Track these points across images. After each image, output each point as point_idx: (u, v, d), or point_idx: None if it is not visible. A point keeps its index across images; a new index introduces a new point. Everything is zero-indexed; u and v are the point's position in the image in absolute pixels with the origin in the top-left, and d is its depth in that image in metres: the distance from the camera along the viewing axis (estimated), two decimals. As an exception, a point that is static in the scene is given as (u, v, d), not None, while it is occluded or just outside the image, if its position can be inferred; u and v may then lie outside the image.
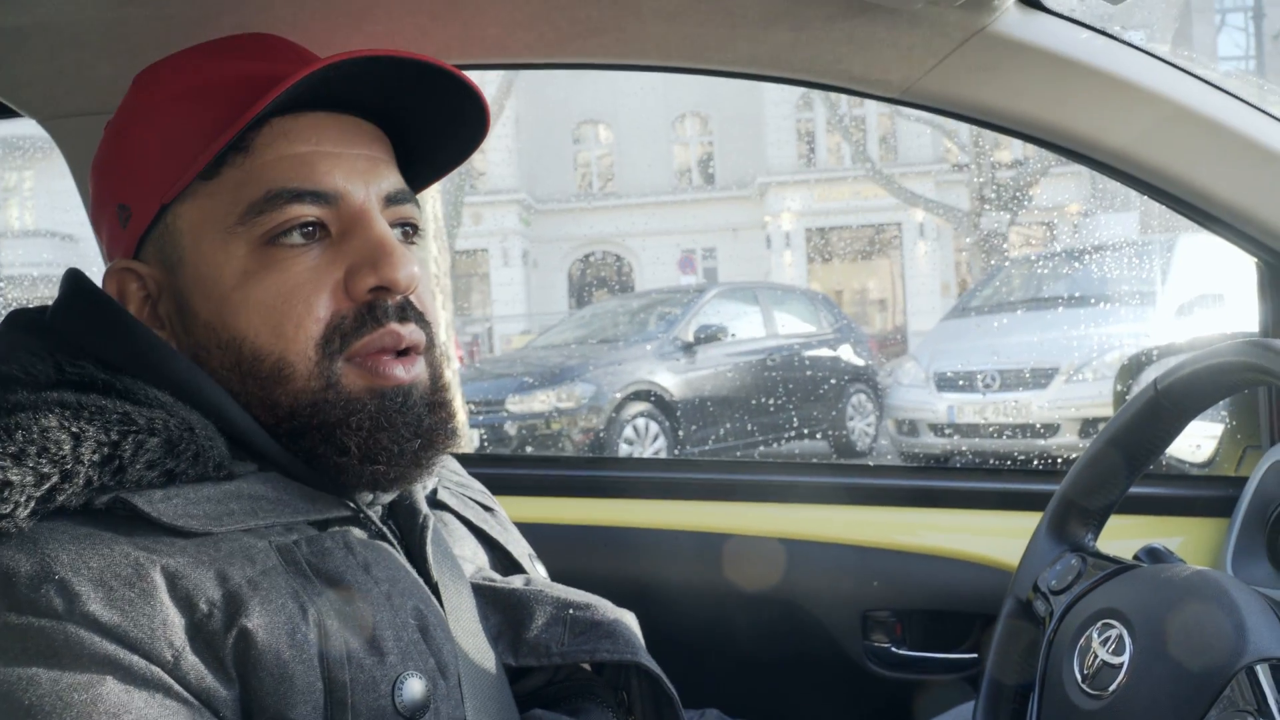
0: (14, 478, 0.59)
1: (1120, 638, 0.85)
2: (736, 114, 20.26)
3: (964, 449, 6.83)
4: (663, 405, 7.56)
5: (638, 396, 7.49)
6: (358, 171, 0.75)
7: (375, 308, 0.74)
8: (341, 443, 0.72)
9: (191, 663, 0.60)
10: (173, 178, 0.74)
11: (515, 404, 7.38)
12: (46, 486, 0.60)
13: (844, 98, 16.77)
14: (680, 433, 7.58)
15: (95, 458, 0.62)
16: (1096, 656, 0.86)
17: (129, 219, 0.76)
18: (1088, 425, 6.28)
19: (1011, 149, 14.67)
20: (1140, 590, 0.89)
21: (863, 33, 1.06)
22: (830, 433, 8.45)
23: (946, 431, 6.92)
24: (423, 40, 1.10)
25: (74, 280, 0.77)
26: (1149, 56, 1.09)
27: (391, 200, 0.77)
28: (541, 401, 7.36)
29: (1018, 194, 13.15)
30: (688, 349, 7.89)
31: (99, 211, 0.81)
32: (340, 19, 1.07)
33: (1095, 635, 0.88)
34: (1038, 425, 6.48)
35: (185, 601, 0.61)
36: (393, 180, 0.78)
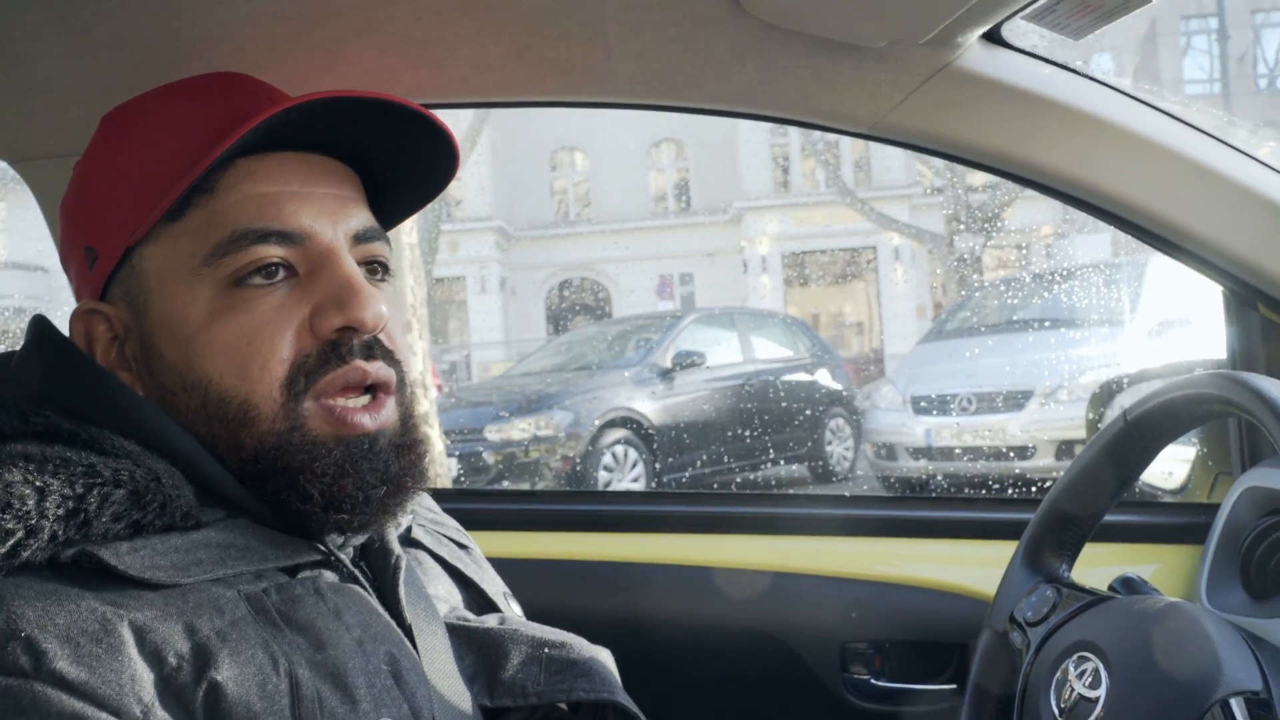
0: None
1: (1096, 671, 0.85)
2: (712, 140, 20.41)
3: (942, 472, 6.85)
4: (641, 432, 7.55)
5: (616, 424, 7.48)
6: (326, 211, 0.75)
7: (340, 345, 0.73)
8: (304, 489, 0.71)
9: (161, 718, 0.59)
10: (138, 219, 0.73)
11: (493, 432, 7.35)
12: (11, 543, 0.59)
13: (818, 124, 16.95)
14: (659, 460, 7.57)
15: (60, 512, 0.61)
16: (1073, 690, 0.86)
17: (96, 260, 0.76)
18: (1064, 447, 6.31)
19: (983, 174, 14.83)
20: (1115, 622, 0.89)
21: (829, 70, 1.07)
22: (809, 457, 8.46)
23: (924, 455, 6.94)
24: (393, 81, 1.11)
25: (39, 327, 0.76)
26: (1111, 90, 1.11)
27: (360, 239, 0.77)
28: (520, 430, 7.33)
29: (991, 217, 13.30)
30: (666, 375, 7.90)
31: (67, 253, 0.81)
32: (311, 61, 1.07)
33: (1071, 668, 0.88)
34: (1015, 448, 6.52)
35: (154, 656, 0.60)
36: (362, 219, 0.78)
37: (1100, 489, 1.01)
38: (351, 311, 0.72)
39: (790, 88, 1.10)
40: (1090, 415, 1.72)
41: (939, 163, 14.45)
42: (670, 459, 7.64)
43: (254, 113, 0.71)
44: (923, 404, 7.01)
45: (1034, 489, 5.94)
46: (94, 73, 1.08)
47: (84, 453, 0.66)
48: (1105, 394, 1.78)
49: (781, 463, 8.33)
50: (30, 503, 0.60)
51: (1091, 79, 1.10)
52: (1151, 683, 0.80)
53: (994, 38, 1.04)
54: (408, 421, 0.78)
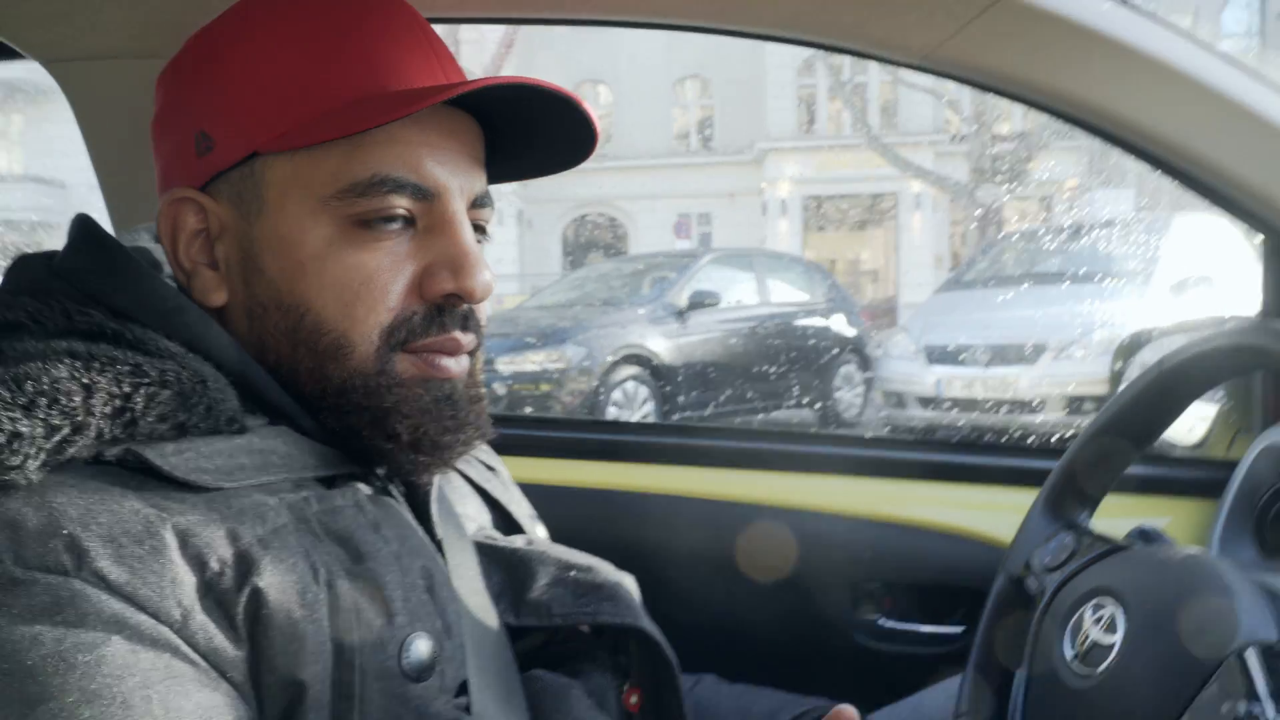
0: (24, 429, 0.57)
1: (1113, 617, 0.86)
2: (737, 78, 20.09)
3: (951, 422, 6.86)
4: (653, 370, 7.56)
5: (628, 360, 7.48)
6: (459, 171, 0.74)
7: (444, 312, 0.73)
8: (391, 429, 0.72)
9: (200, 622, 0.59)
10: (277, 129, 0.71)
11: (505, 364, 7.36)
12: (57, 438, 0.58)
13: (847, 64, 16.64)
14: (669, 398, 7.59)
15: (107, 410, 0.61)
16: (1088, 635, 0.87)
17: (210, 150, 0.73)
18: (1074, 402, 6.30)
19: (1011, 122, 14.60)
20: (1135, 571, 0.89)
21: None
22: (819, 402, 8.48)
23: (934, 404, 6.94)
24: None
25: (83, 226, 0.75)
26: (1170, 31, 1.08)
27: (476, 203, 0.77)
28: (532, 362, 7.34)
29: (1015, 168, 13.13)
30: (680, 314, 7.88)
31: (169, 126, 0.76)
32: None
33: (1088, 614, 0.88)
34: (1025, 400, 6.51)
35: (196, 560, 0.60)
36: (482, 182, 0.78)
37: (1129, 439, 1.00)
38: (464, 280, 0.72)
39: (844, 13, 1.07)
40: (1116, 366, 1.71)
41: (967, 109, 14.23)
42: (680, 398, 7.66)
43: (412, 53, 0.72)
44: (936, 354, 6.99)
45: (1053, 439, 5.94)
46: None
47: (130, 352, 0.65)
48: (1132, 346, 1.77)
49: (793, 404, 8.33)
50: (77, 399, 0.60)
51: (1153, 19, 1.07)
52: (1169, 630, 0.81)
53: (1056, -30, 1.01)
54: (475, 375, 0.79)
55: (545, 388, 7.27)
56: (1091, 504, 1.05)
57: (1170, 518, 1.33)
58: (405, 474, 0.76)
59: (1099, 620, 0.87)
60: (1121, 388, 1.01)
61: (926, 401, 6.98)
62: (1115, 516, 1.18)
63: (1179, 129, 1.10)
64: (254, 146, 0.71)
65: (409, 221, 0.73)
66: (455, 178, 0.74)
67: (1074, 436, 1.07)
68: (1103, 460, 1.02)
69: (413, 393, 0.73)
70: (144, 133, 0.80)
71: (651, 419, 7.44)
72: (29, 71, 1.21)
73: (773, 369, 8.19)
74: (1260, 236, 1.25)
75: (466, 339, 0.75)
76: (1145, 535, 1.02)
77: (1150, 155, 1.15)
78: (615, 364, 7.39)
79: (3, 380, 0.59)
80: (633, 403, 7.42)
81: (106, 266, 0.72)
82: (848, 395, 8.68)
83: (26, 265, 0.74)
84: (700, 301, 7.99)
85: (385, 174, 0.70)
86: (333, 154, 0.71)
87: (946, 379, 6.88)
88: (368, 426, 0.72)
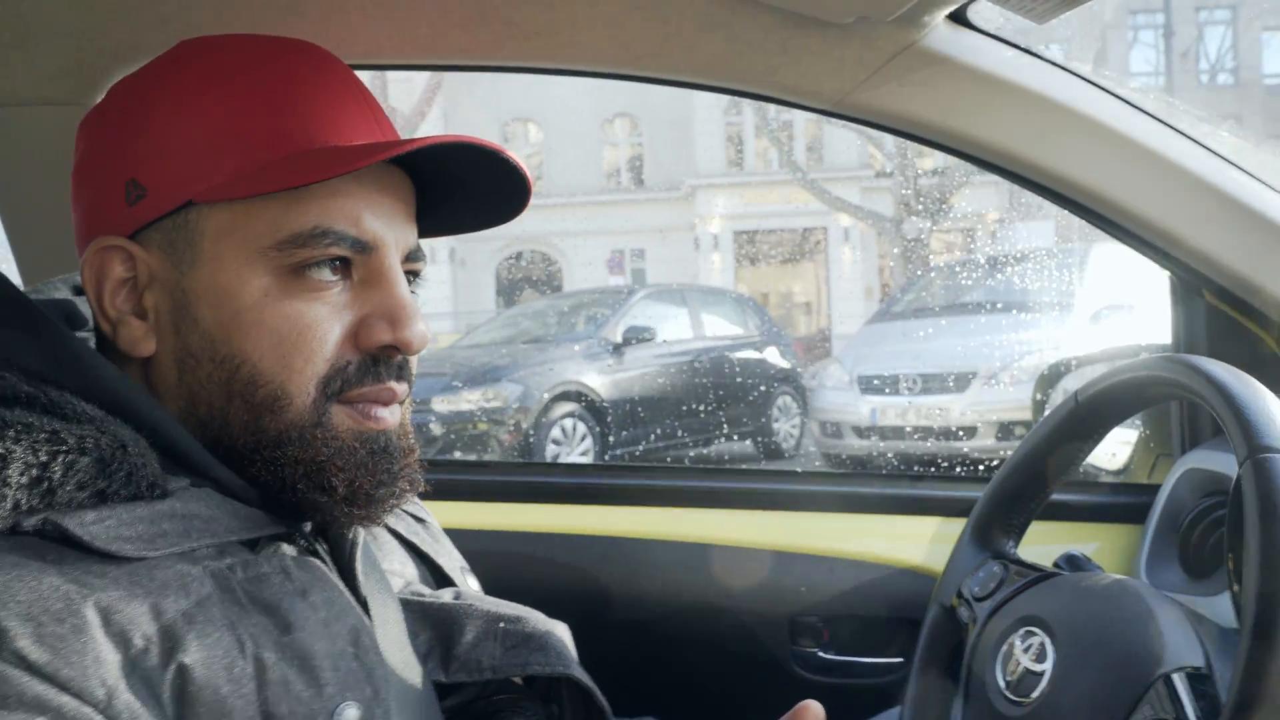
0: None
1: (1043, 645, 0.87)
2: (666, 116, 20.35)
3: (886, 451, 6.97)
4: (591, 406, 7.56)
5: (566, 397, 7.47)
6: (394, 224, 0.74)
7: (379, 362, 0.73)
8: (327, 482, 0.70)
9: (125, 702, 0.57)
10: (214, 179, 0.69)
11: (441, 403, 7.30)
12: None
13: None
14: (608, 434, 7.59)
15: (24, 480, 0.58)
16: (1019, 663, 0.88)
17: (141, 199, 0.71)
18: (1004, 428, 6.45)
19: (934, 158, 15.00)
20: (1062, 598, 0.91)
21: (796, 44, 1.07)
22: (756, 434, 8.54)
23: (869, 433, 7.05)
24: (352, 39, 1.08)
25: None
26: (1072, 75, 1.12)
27: (409, 257, 0.77)
28: (468, 401, 7.29)
29: (939, 202, 13.47)
30: (616, 350, 7.90)
31: (90, 174, 0.74)
32: (267, 12, 1.04)
33: (1018, 642, 0.90)
34: (956, 428, 6.65)
35: (120, 637, 0.58)
36: (414, 235, 0.78)
37: (1049, 468, 1.03)
38: (401, 331, 0.72)
39: (756, 61, 1.09)
40: (1037, 396, 1.76)
41: (890, 146, 14.59)
42: (619, 433, 7.66)
43: (352, 107, 0.73)
44: (869, 383, 7.11)
45: (979, 468, 6.06)
46: (33, 18, 1.03)
47: (46, 418, 0.63)
48: (1052, 376, 1.82)
49: (731, 437, 8.38)
50: None
51: (1053, 64, 1.11)
52: (1098, 657, 0.82)
53: (959, 19, 1.04)
54: (405, 425, 0.78)
55: (482, 426, 7.22)
56: (1017, 532, 1.07)
57: (1098, 544, 1.36)
58: (338, 526, 0.75)
59: (1028, 649, 0.88)
60: (1042, 418, 1.04)
61: (862, 431, 7.08)
62: (1045, 544, 1.20)
63: (1086, 171, 1.14)
64: (189, 196, 0.70)
65: (345, 274, 0.72)
66: (391, 231, 0.74)
67: (1000, 465, 1.09)
68: (1025, 489, 1.04)
69: (349, 445, 0.71)
70: (51, 181, 0.78)
71: (590, 455, 7.42)
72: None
73: (710, 403, 8.24)
74: (1168, 274, 1.29)
75: (400, 389, 0.75)
76: (1073, 561, 1.04)
77: (1059, 195, 1.19)
78: (552, 401, 7.37)
79: None
80: (571, 439, 7.39)
81: (19, 325, 0.68)
82: (785, 426, 8.75)
83: None
84: (635, 337, 8.03)
85: (326, 226, 0.70)
86: (271, 205, 0.69)
87: (880, 408, 7.00)
88: (302, 479, 0.70)
